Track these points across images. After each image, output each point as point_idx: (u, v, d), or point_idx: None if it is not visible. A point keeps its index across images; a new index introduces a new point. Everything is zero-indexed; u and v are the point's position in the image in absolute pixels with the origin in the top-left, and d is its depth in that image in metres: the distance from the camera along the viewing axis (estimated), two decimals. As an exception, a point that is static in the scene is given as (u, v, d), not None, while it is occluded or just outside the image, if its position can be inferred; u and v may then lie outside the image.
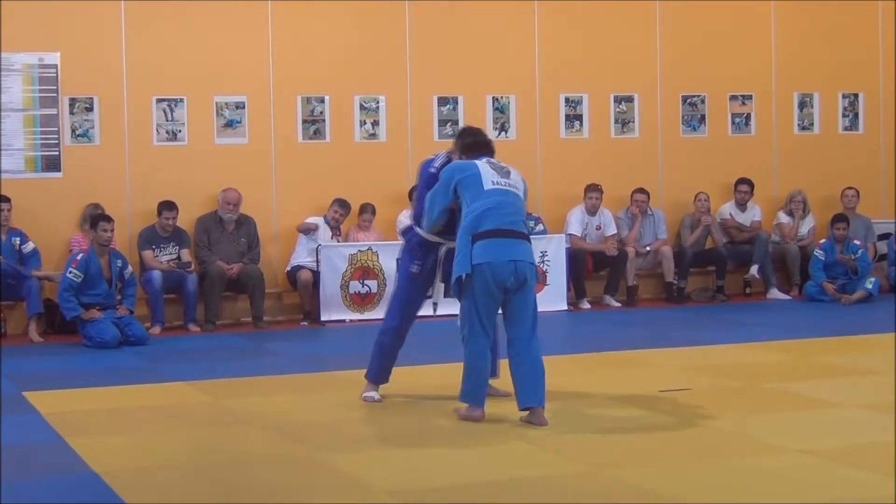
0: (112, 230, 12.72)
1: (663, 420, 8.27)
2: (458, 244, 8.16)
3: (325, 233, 14.20)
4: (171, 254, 13.77)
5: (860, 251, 15.23)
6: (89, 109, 13.94)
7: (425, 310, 8.97)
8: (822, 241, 15.45)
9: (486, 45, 15.30)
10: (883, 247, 16.26)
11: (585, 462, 7.20)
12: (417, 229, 8.82)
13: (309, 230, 14.13)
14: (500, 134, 15.10)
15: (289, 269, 14.24)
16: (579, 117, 15.72)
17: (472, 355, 8.12)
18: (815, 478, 6.76)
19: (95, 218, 12.86)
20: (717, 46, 16.19)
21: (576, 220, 15.15)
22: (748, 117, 16.41)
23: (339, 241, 14.21)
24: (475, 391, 8.08)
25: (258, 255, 14.14)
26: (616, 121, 15.89)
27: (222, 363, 11.34)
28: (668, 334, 12.69)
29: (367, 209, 14.55)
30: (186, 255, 13.80)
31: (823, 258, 15.18)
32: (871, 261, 15.58)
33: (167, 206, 13.70)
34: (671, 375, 10.02)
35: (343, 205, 14.34)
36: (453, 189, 8.28)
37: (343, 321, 13.85)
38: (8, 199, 13.37)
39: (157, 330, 13.27)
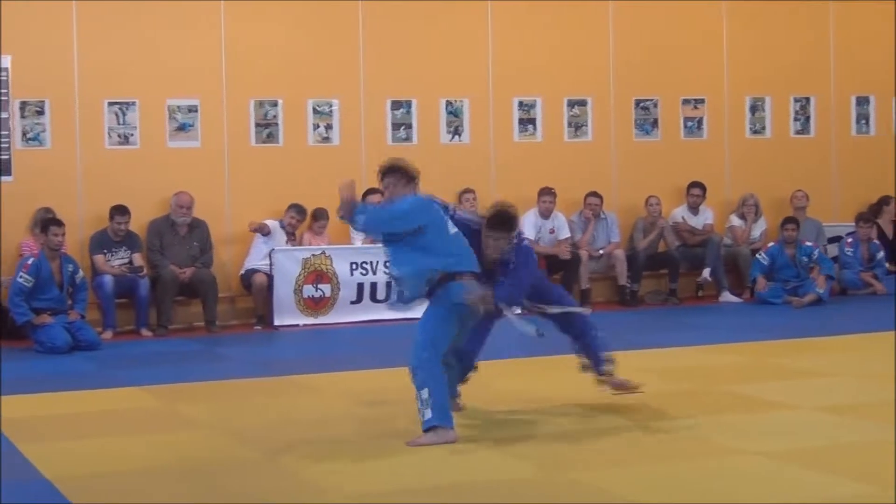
0: (63, 234, 12.65)
1: (617, 423, 8.29)
2: (418, 271, 7.96)
3: (280, 237, 14.14)
4: (123, 258, 13.68)
5: (815, 252, 15.31)
6: (40, 113, 13.83)
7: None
8: (770, 244, 15.52)
9: (439, 49, 15.31)
10: (833, 249, 16.35)
11: (538, 465, 7.19)
12: None
13: (263, 231, 14.06)
14: (453, 138, 15.12)
15: (243, 272, 14.18)
16: (533, 121, 15.74)
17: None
18: (771, 480, 6.78)
19: (46, 222, 12.77)
20: (669, 51, 16.25)
21: (529, 224, 15.14)
22: (700, 121, 16.48)
23: (294, 246, 14.16)
24: (442, 409, 7.92)
25: (211, 258, 14.08)
26: (569, 124, 15.93)
27: (175, 368, 11.30)
28: (622, 337, 12.60)
29: (322, 215, 14.48)
30: (138, 259, 13.72)
31: (766, 262, 15.26)
32: (829, 259, 15.66)
33: (119, 211, 13.61)
34: (624, 378, 10.00)
35: (300, 210, 14.29)
36: (417, 227, 7.96)
37: (297, 325, 13.80)
38: (-41, 204, 13.27)
39: (108, 335, 13.19)
